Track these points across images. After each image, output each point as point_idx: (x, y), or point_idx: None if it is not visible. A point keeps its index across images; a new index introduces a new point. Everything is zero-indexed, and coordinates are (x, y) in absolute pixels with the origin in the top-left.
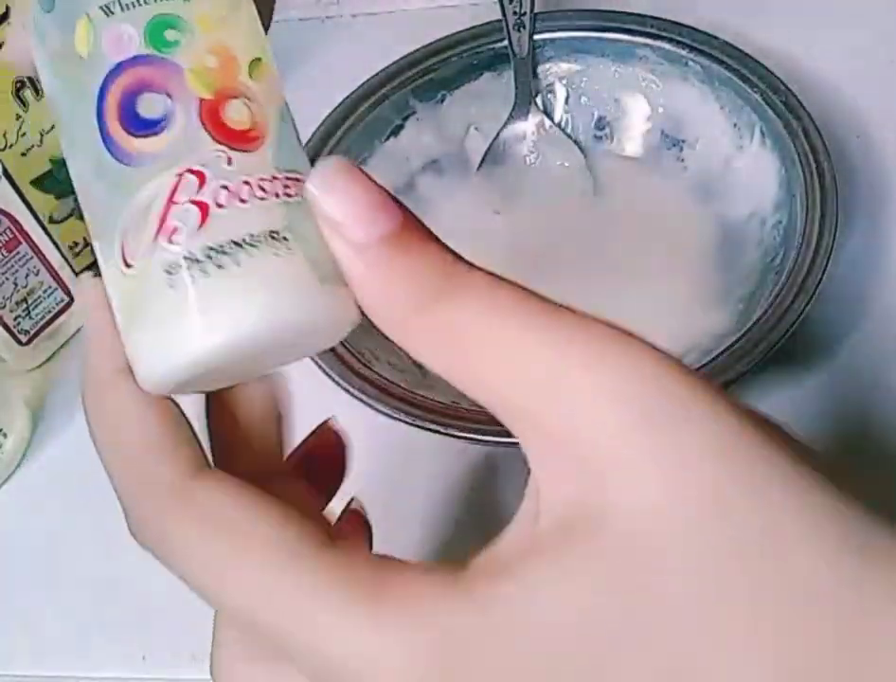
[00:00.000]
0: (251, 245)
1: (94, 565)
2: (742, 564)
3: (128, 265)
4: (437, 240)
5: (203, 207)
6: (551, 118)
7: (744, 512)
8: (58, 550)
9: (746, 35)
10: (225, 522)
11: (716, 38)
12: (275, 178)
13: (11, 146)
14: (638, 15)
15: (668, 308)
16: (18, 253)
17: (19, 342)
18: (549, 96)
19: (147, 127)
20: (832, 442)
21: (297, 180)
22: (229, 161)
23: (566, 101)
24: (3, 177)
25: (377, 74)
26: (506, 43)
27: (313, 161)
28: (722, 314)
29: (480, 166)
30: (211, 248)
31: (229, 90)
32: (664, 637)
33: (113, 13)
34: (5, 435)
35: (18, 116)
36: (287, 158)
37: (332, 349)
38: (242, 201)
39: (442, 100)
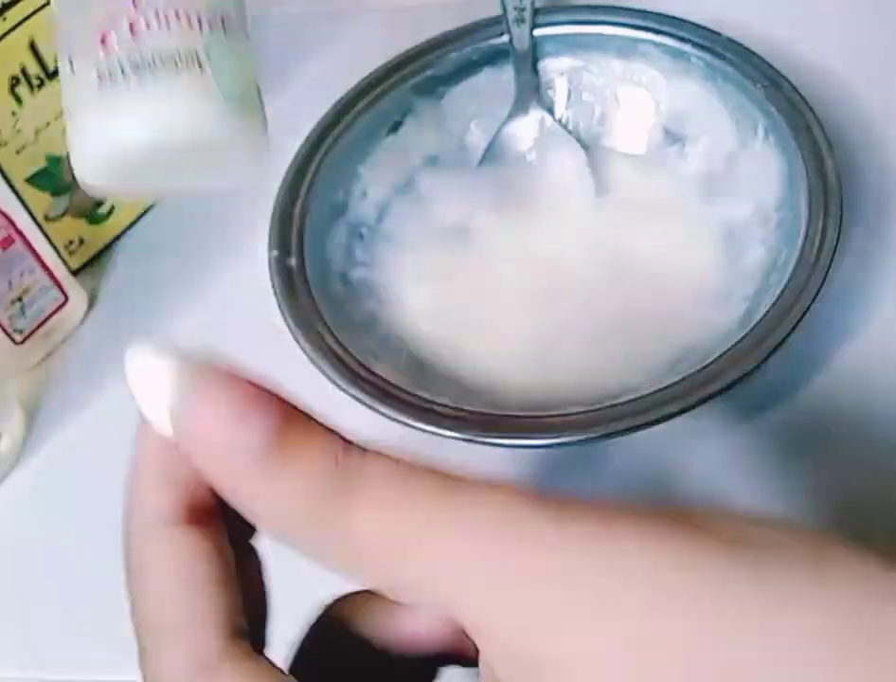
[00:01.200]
0: (172, 62)
1: (91, 565)
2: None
3: (73, 70)
4: (321, 427)
5: (134, 25)
6: (552, 115)
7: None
8: (54, 550)
9: (749, 31)
10: None
11: (719, 34)
12: (200, 12)
13: (6, 143)
14: (640, 10)
15: (670, 307)
16: (12, 251)
17: (13, 341)
18: (550, 92)
19: None
20: (835, 443)
21: (223, 18)
22: None
23: (568, 97)
24: None
25: (376, 70)
26: (506, 38)
27: (314, 159)
28: (725, 313)
29: (480, 162)
30: (139, 59)
31: None
32: None
33: None
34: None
35: (13, 113)
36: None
37: (331, 350)
38: (168, 24)
39: (442, 97)
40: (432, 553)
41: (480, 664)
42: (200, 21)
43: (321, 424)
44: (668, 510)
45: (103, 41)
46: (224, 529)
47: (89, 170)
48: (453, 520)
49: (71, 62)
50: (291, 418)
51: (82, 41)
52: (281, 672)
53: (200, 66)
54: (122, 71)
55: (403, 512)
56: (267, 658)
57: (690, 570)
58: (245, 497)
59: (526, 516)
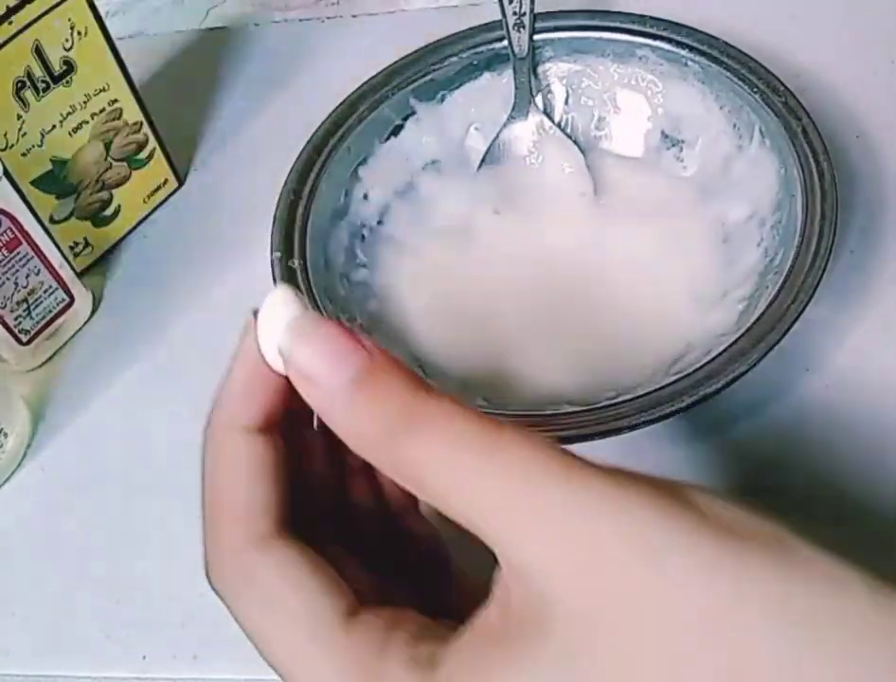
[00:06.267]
0: None
1: (94, 564)
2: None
3: None
4: (401, 370)
5: None
6: (551, 118)
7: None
8: (57, 550)
9: (746, 35)
10: (272, 598)
11: (716, 38)
12: None
13: (12, 146)
14: (638, 15)
15: (668, 308)
16: (18, 253)
17: (20, 342)
18: (549, 96)
19: None
20: (832, 444)
21: None
22: None
23: (566, 101)
24: (3, 177)
25: (377, 74)
26: (506, 43)
27: (316, 162)
28: (722, 314)
29: (480, 166)
30: None
31: None
32: None
33: None
34: (5, 435)
35: (19, 116)
36: None
37: None
38: None
39: (442, 100)
40: (475, 496)
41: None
42: None
43: (402, 366)
44: (678, 489)
45: None
46: (285, 443)
47: None
48: (497, 466)
49: None
50: (380, 355)
51: None
52: (319, 558)
53: None
54: None
55: (457, 454)
56: (307, 547)
57: (686, 551)
58: (335, 418)
59: (555, 472)
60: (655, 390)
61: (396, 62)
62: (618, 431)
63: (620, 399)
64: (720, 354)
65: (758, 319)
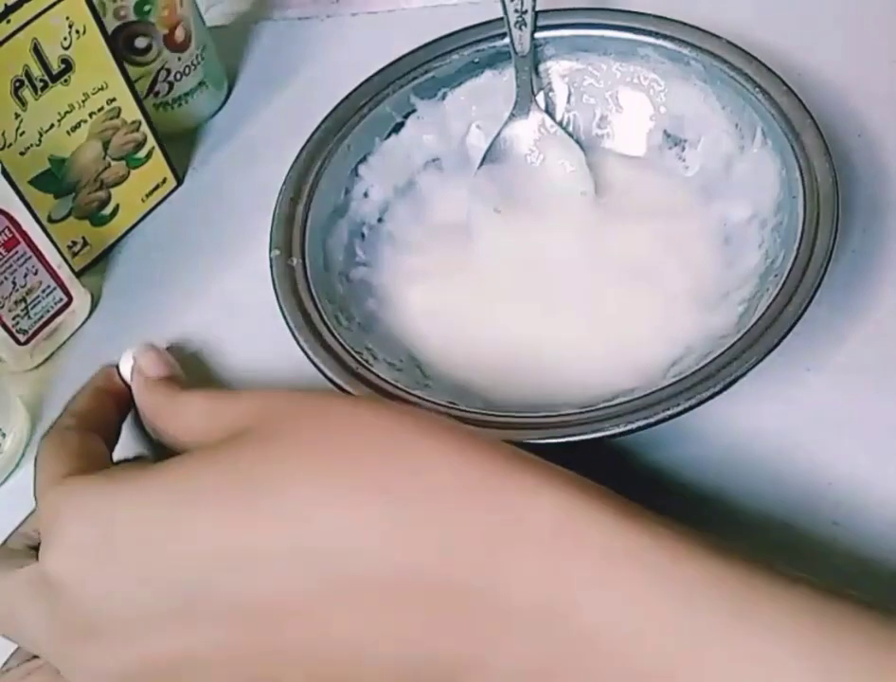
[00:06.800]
0: None
1: None
2: None
3: None
4: (188, 385)
5: None
6: (553, 117)
7: None
8: None
9: (748, 34)
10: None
11: (718, 37)
12: None
13: (10, 145)
14: (641, 14)
15: (667, 309)
16: (16, 252)
17: (18, 342)
18: (551, 94)
19: None
20: (833, 445)
21: None
22: None
23: (568, 100)
24: (1, 176)
25: (378, 71)
26: (507, 41)
27: (316, 160)
28: (721, 315)
29: (481, 164)
30: None
31: None
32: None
33: None
34: (3, 435)
35: (17, 115)
36: None
37: (330, 349)
38: None
39: (444, 98)
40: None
41: None
42: None
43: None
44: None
45: None
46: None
47: None
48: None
49: None
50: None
51: None
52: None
53: None
54: None
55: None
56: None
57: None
58: (145, 392)
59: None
60: (652, 393)
61: (397, 60)
62: (615, 433)
63: (618, 400)
64: (718, 356)
65: (756, 322)
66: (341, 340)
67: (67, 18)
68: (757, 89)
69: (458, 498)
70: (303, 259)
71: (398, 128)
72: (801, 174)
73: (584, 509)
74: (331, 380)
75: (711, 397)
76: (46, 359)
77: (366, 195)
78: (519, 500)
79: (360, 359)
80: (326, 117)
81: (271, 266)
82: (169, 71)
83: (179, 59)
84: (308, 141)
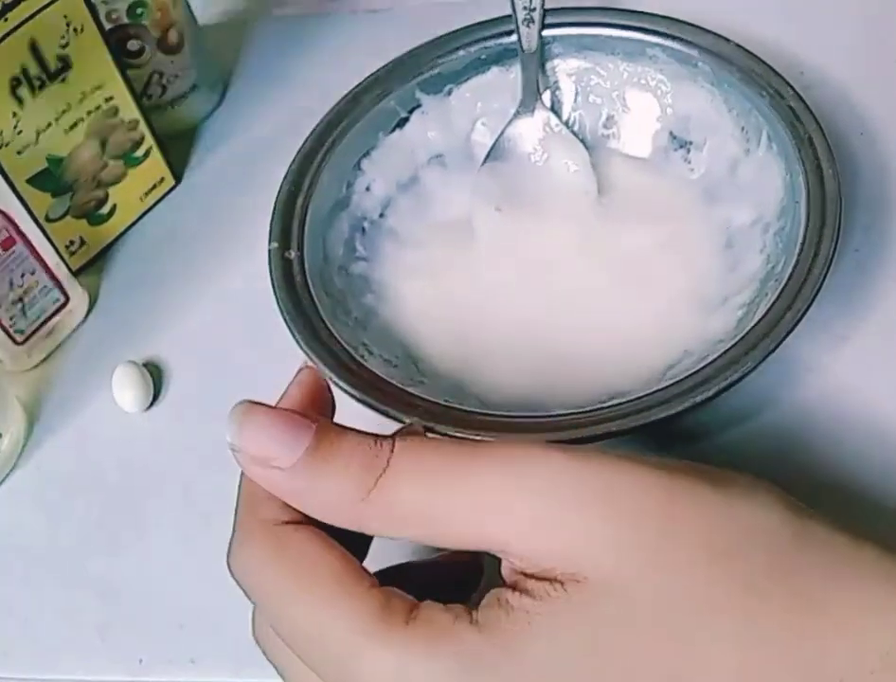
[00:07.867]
0: None
1: (90, 566)
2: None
3: None
4: (350, 430)
5: None
6: (559, 115)
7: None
8: (53, 552)
9: (756, 37)
10: (302, 563)
11: (727, 39)
12: None
13: (7, 144)
14: (649, 14)
15: (667, 311)
16: (13, 252)
17: (15, 342)
18: (557, 92)
19: None
20: (834, 445)
21: None
22: None
23: (574, 99)
24: None
25: (384, 66)
26: (514, 38)
27: (318, 153)
28: (721, 319)
29: (485, 161)
30: None
31: None
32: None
33: None
34: (0, 435)
35: (14, 114)
36: None
37: (325, 344)
38: None
39: (449, 94)
40: (473, 508)
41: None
42: None
43: (351, 429)
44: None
45: None
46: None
47: None
48: (483, 475)
49: None
50: (322, 428)
51: None
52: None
53: None
54: None
55: (440, 479)
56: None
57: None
58: (297, 499)
59: (533, 472)
60: (647, 395)
61: (403, 55)
62: (611, 435)
63: (615, 402)
64: (716, 359)
65: (753, 327)
66: (336, 334)
67: (65, 16)
68: (763, 93)
69: None
70: (301, 251)
71: (402, 123)
72: (806, 180)
73: None
74: (324, 374)
75: (710, 399)
76: (44, 359)
77: (368, 189)
78: None
79: (354, 354)
80: (330, 110)
81: (269, 258)
82: (161, 74)
83: (172, 62)
84: (311, 134)
